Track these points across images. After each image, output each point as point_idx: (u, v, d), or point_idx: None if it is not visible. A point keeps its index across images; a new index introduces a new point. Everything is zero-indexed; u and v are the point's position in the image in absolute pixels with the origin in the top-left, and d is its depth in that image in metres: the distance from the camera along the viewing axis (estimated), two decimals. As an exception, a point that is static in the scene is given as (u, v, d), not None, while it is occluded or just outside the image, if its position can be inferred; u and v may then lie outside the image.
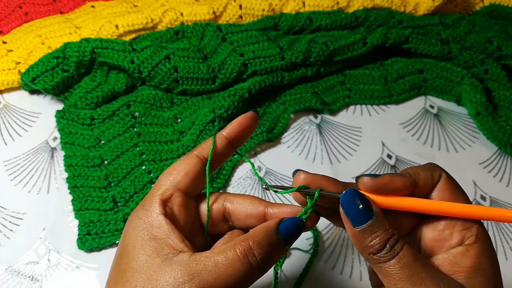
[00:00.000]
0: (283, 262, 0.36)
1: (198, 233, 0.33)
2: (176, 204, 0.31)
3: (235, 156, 0.56)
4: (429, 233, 0.30)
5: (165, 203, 0.31)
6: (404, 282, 0.26)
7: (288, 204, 0.32)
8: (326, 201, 0.31)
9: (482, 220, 0.29)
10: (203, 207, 0.34)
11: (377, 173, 0.56)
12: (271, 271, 0.36)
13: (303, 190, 0.30)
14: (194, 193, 0.33)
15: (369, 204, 0.28)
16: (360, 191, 0.29)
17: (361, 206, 0.28)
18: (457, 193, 0.30)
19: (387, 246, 0.27)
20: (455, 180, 0.31)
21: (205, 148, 0.33)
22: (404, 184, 0.29)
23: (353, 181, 0.31)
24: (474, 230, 0.29)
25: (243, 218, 0.33)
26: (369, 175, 0.29)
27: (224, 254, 0.27)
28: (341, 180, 0.31)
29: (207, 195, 0.33)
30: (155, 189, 0.32)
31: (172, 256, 0.28)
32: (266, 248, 0.28)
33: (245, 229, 0.34)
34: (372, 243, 0.27)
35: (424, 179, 0.30)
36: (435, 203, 0.29)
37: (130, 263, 0.28)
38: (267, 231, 0.28)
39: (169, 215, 0.30)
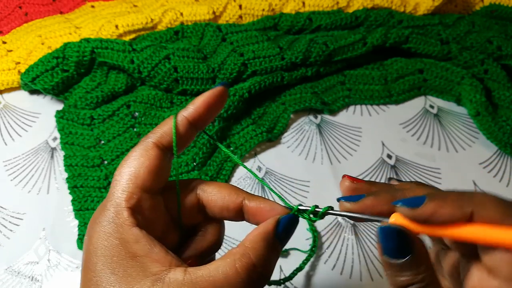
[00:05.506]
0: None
1: (171, 229, 0.30)
2: (147, 208, 0.27)
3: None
4: (475, 274, 0.25)
5: (134, 211, 0.26)
6: None
7: (265, 198, 0.30)
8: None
9: None
10: (172, 198, 0.30)
11: (376, 173, 0.57)
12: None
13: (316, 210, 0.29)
14: (159, 187, 0.29)
15: (409, 242, 0.24)
16: (404, 227, 0.25)
17: (398, 243, 0.24)
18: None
19: (415, 286, 0.24)
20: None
21: (161, 133, 0.29)
22: (453, 214, 0.23)
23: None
24: None
25: (218, 211, 0.30)
26: (410, 203, 0.24)
27: (224, 272, 0.24)
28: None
29: (178, 194, 0.30)
30: (116, 193, 0.27)
31: (163, 276, 0.24)
32: (267, 257, 0.25)
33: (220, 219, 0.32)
34: (401, 278, 0.24)
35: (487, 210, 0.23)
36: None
37: None
38: (266, 239, 0.26)
39: (141, 224, 0.26)
